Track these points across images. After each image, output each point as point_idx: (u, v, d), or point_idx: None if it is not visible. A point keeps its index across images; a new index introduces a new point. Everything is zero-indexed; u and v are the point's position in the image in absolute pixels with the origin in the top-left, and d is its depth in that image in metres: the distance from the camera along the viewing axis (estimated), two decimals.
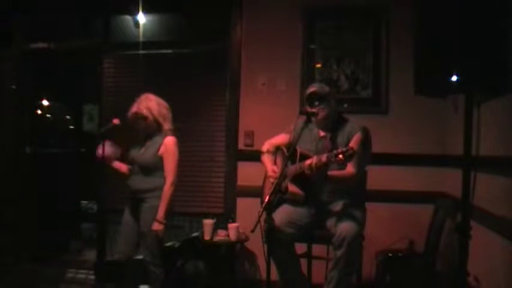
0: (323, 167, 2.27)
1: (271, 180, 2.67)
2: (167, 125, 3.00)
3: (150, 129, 3.00)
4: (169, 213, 2.94)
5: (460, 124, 1.99)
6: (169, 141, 2.95)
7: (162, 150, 2.94)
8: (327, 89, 2.59)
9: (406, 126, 3.46)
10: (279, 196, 2.53)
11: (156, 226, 2.87)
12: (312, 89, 2.62)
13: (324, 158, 2.22)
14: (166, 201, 2.88)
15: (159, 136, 2.99)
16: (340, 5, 3.58)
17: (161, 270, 2.97)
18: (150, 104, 2.97)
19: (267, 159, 2.83)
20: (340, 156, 2.13)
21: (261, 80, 3.72)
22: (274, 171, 2.67)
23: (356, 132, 2.54)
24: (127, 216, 3.03)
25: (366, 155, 2.56)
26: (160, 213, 2.86)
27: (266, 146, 2.89)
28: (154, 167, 2.93)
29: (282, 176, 2.44)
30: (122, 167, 3.09)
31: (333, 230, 2.46)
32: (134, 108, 2.97)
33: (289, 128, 2.74)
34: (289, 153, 2.45)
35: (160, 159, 2.94)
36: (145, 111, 2.95)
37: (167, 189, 2.89)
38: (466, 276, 2.01)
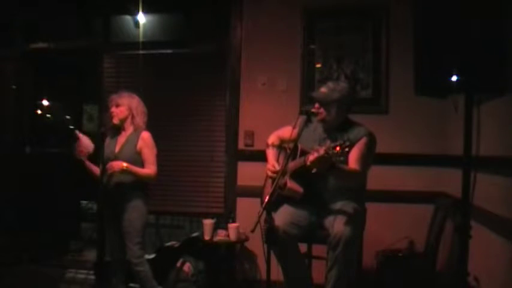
0: (324, 161, 2.21)
1: (269, 175, 2.67)
2: (141, 120, 3.05)
3: (123, 126, 3.04)
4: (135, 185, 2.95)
5: (460, 124, 1.99)
6: (146, 135, 3.01)
7: (140, 144, 2.98)
8: (335, 95, 2.55)
9: (406, 126, 3.46)
10: (278, 192, 2.51)
11: (119, 165, 2.86)
12: (315, 92, 2.62)
13: (321, 150, 2.20)
14: (139, 171, 2.92)
15: (132, 132, 3.03)
16: (340, 5, 3.58)
17: (147, 267, 2.98)
18: (128, 101, 3.02)
19: (270, 153, 2.81)
20: (338, 148, 2.12)
21: (261, 80, 3.72)
22: (273, 167, 2.67)
23: (362, 136, 2.53)
24: (109, 222, 3.02)
25: (369, 159, 2.55)
26: (130, 166, 2.88)
27: (271, 139, 2.88)
28: (134, 163, 2.93)
29: (282, 173, 2.44)
30: (94, 168, 3.00)
31: (330, 230, 2.46)
32: (119, 109, 3.00)
33: (296, 122, 2.65)
34: (290, 150, 2.45)
35: (139, 155, 2.97)
36: (126, 110, 3.01)
37: (147, 171, 2.94)
38: (466, 276, 2.01)
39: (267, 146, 2.87)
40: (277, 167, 2.65)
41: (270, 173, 2.67)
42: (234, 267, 3.62)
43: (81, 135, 3.00)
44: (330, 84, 2.64)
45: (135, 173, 2.91)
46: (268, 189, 2.58)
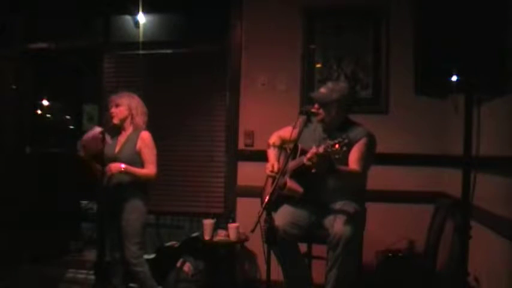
0: (324, 159, 2.22)
1: (268, 174, 2.67)
2: (141, 120, 3.04)
3: (123, 126, 3.04)
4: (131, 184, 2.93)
5: (460, 124, 1.99)
6: (146, 135, 3.00)
7: (139, 144, 2.97)
8: (334, 95, 2.55)
9: (406, 126, 3.46)
10: (278, 192, 2.50)
11: (117, 167, 2.85)
12: (314, 92, 2.63)
13: (321, 149, 2.19)
14: (138, 171, 2.92)
15: (132, 132, 3.02)
16: (340, 5, 3.58)
17: (146, 267, 2.98)
18: (127, 101, 3.02)
19: (271, 153, 2.81)
20: (337, 146, 2.12)
21: (261, 80, 3.72)
22: (272, 166, 2.66)
23: (362, 137, 2.53)
24: (109, 221, 3.01)
25: (368, 160, 2.55)
26: (129, 167, 2.87)
27: (273, 139, 2.88)
28: (133, 163, 2.93)
29: (282, 172, 2.44)
30: (97, 169, 2.96)
31: (330, 230, 2.46)
32: (119, 109, 3.01)
33: (297, 123, 2.64)
34: (291, 150, 2.45)
35: (138, 155, 2.97)
36: (126, 110, 3.01)
37: (146, 171, 2.93)
38: (466, 276, 2.01)
39: (268, 146, 2.87)
40: (276, 167, 2.65)
41: (268, 172, 2.67)
42: (234, 267, 3.62)
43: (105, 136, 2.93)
44: (330, 84, 2.64)
45: (134, 174, 2.91)
46: (269, 189, 2.58)
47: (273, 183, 2.45)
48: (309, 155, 2.24)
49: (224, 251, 3.51)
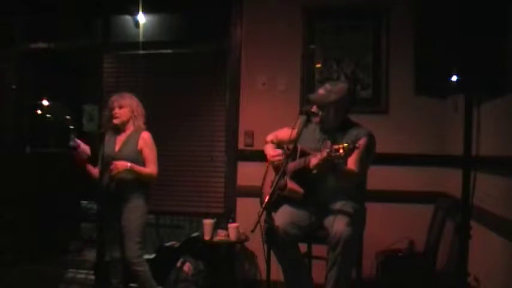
0: (327, 163, 2.21)
1: (275, 162, 2.64)
2: (141, 121, 3.06)
3: (124, 126, 3.05)
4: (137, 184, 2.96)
5: (460, 124, 1.99)
6: (147, 135, 3.03)
7: (140, 144, 2.99)
8: (332, 97, 2.53)
9: (406, 126, 3.46)
10: (278, 193, 2.49)
11: (123, 164, 2.88)
12: (313, 94, 2.64)
13: (324, 153, 2.19)
14: (142, 170, 2.94)
15: (133, 132, 3.03)
16: (340, 5, 3.58)
17: (146, 267, 2.98)
18: (130, 102, 3.04)
19: (269, 146, 2.80)
20: (341, 151, 2.11)
21: (261, 80, 3.72)
22: (278, 154, 2.63)
23: (361, 137, 2.53)
24: (109, 221, 3.02)
25: (368, 160, 2.55)
26: (134, 166, 2.90)
27: (270, 137, 2.87)
28: (134, 163, 2.93)
29: (282, 173, 2.44)
30: (93, 170, 3.01)
31: (329, 230, 2.46)
32: (123, 110, 3.02)
33: (295, 123, 2.59)
34: (290, 150, 2.45)
35: (140, 154, 2.98)
36: (129, 112, 3.03)
37: (149, 170, 2.96)
38: (466, 276, 2.01)
39: (266, 142, 2.86)
40: (281, 153, 2.62)
41: (276, 160, 2.62)
42: (234, 267, 3.62)
43: (79, 142, 2.99)
44: (328, 85, 2.62)
45: (138, 173, 2.92)
46: (267, 187, 2.58)
47: (273, 181, 2.45)
48: (313, 161, 2.23)
49: (224, 251, 3.51)
